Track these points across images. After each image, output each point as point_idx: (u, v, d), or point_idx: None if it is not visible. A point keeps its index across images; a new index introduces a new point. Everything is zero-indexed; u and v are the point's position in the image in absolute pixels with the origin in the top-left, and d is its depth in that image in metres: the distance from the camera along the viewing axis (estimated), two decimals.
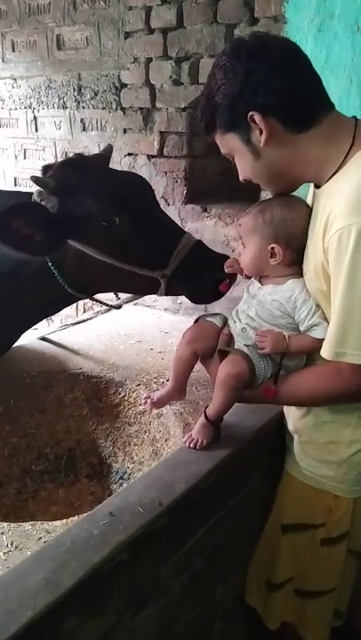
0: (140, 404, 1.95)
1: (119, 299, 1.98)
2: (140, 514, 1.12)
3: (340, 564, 1.40)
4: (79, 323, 2.44)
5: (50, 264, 1.63)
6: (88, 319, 2.35)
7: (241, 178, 1.25)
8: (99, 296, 1.86)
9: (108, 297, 1.95)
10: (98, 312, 2.10)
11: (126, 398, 1.99)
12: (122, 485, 1.86)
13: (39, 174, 1.64)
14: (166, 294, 1.66)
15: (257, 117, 1.10)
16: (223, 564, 1.46)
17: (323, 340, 1.17)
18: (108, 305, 1.96)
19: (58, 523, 1.36)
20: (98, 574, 0.99)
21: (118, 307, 2.04)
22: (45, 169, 1.69)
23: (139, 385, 1.97)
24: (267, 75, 1.09)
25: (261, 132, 1.12)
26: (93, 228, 1.55)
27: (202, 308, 2.17)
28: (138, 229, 1.56)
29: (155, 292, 1.66)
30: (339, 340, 1.10)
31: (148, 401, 1.47)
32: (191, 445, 1.33)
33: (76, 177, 1.59)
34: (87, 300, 3.04)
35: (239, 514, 1.45)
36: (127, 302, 2.06)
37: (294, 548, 1.43)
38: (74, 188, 1.57)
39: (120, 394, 2.00)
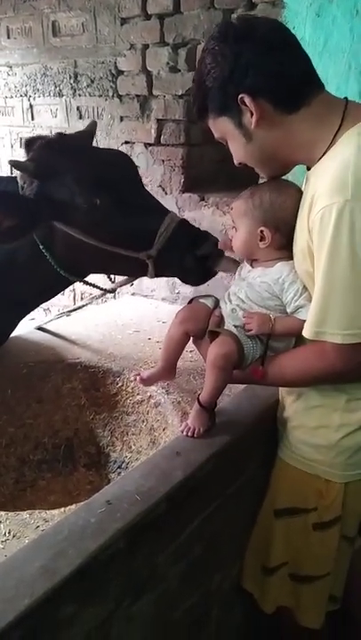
0: (137, 394, 1.95)
1: (113, 282, 1.97)
2: (138, 502, 1.12)
3: (332, 548, 1.41)
4: (75, 310, 2.43)
5: (41, 246, 1.62)
6: (84, 305, 2.34)
7: (236, 162, 1.26)
8: (93, 281, 1.85)
9: (102, 282, 1.94)
10: (93, 297, 2.09)
11: (124, 388, 1.99)
12: (120, 475, 1.86)
13: (23, 154, 1.63)
14: (157, 275, 1.65)
15: (247, 99, 1.11)
16: (221, 552, 1.47)
17: None
18: (101, 289, 1.95)
19: (55, 511, 1.36)
20: (95, 562, 0.99)
21: (112, 291, 2.04)
22: (28, 143, 1.65)
23: (133, 381, 1.97)
24: (255, 56, 1.09)
25: (252, 115, 1.12)
26: (75, 211, 1.54)
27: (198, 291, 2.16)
28: (120, 211, 1.54)
29: (144, 274, 1.64)
30: (319, 320, 1.11)
31: (138, 378, 1.50)
32: (189, 434, 1.34)
33: (55, 159, 1.57)
34: (84, 290, 3.06)
35: (237, 501, 1.46)
36: (121, 285, 2.04)
37: (287, 532, 1.44)
38: (53, 170, 1.55)
39: (118, 383, 2.00)
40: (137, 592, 1.15)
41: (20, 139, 3.30)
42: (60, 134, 1.70)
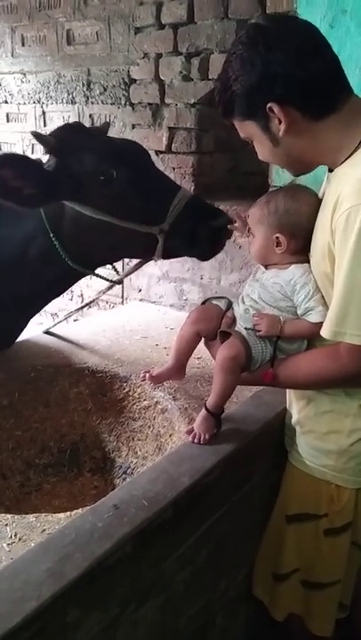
0: (144, 400, 1.95)
1: (119, 274, 2.00)
2: (145, 507, 1.12)
3: (343, 555, 1.41)
4: (82, 307, 2.44)
5: (51, 235, 1.67)
6: (93, 301, 2.35)
7: (260, 158, 1.26)
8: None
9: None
10: (101, 291, 2.12)
11: (131, 393, 1.99)
12: (125, 480, 1.86)
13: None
14: (163, 256, 1.69)
15: (276, 108, 1.10)
16: (226, 559, 1.46)
17: (318, 324, 1.19)
18: (108, 280, 1.97)
19: (62, 515, 1.36)
20: (102, 566, 0.99)
21: (119, 282, 2.06)
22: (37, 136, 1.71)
23: (143, 380, 1.97)
24: (285, 66, 1.08)
25: (280, 122, 1.12)
26: (91, 185, 1.59)
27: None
28: (135, 184, 1.59)
29: (152, 254, 1.68)
30: (339, 320, 1.10)
31: (147, 375, 1.51)
32: (195, 440, 1.34)
33: (75, 137, 1.66)
34: (91, 296, 3.07)
35: (243, 508, 1.45)
36: (127, 275, 2.07)
37: (299, 538, 1.44)
38: (73, 146, 1.62)
39: (125, 389, 2.00)
40: (142, 597, 1.15)
41: (33, 145, 3.34)
42: (78, 122, 1.78)
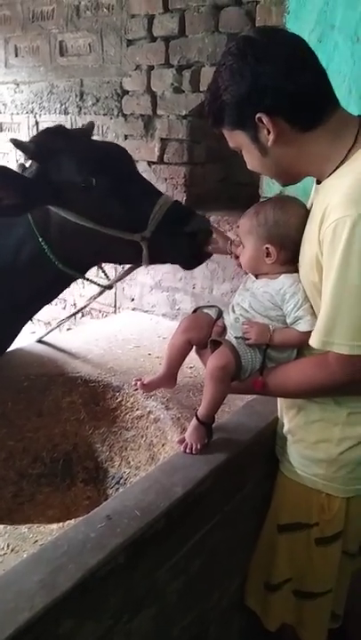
0: (137, 409, 1.96)
1: (109, 279, 2.00)
2: (138, 517, 1.12)
3: (334, 564, 1.41)
4: (74, 314, 2.43)
5: (40, 239, 1.67)
6: (84, 307, 2.36)
7: (249, 168, 1.27)
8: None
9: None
10: (91, 297, 2.12)
11: (123, 403, 1.99)
12: (118, 490, 1.85)
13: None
14: (150, 262, 1.67)
15: (265, 119, 1.12)
16: (219, 568, 1.46)
17: (306, 333, 1.20)
18: (98, 284, 1.98)
19: (54, 526, 1.35)
20: (95, 577, 0.99)
21: (110, 287, 2.05)
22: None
23: (136, 390, 1.97)
24: (274, 78, 1.09)
25: (269, 132, 1.13)
26: (72, 192, 1.59)
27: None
28: (115, 192, 1.59)
29: (139, 260, 1.67)
30: (327, 330, 1.12)
31: (139, 383, 1.51)
32: (187, 450, 1.35)
33: (55, 142, 1.64)
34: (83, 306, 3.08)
35: (236, 518, 1.46)
36: (117, 281, 2.07)
37: (290, 547, 1.44)
38: (53, 151, 1.61)
39: (117, 398, 2.00)
40: (136, 608, 1.15)
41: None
42: (60, 125, 1.77)
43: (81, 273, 1.83)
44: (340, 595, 1.50)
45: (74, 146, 1.65)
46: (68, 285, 1.95)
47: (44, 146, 1.62)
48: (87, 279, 1.89)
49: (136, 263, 1.77)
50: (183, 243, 1.60)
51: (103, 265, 2.03)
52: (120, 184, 1.61)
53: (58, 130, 1.73)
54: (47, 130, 1.74)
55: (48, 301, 2.00)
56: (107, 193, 1.58)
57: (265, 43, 1.12)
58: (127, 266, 1.98)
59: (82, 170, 1.58)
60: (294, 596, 1.47)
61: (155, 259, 1.69)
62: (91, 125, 1.89)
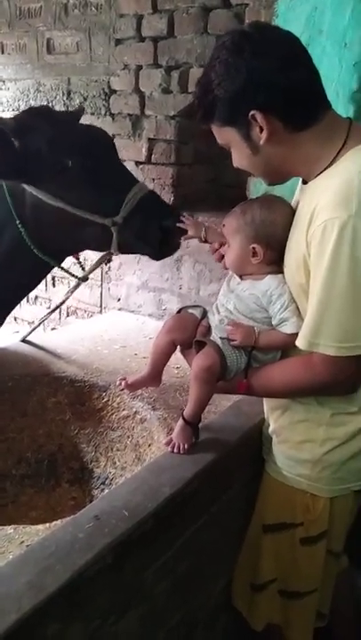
0: (123, 410, 1.95)
1: (84, 269, 2.00)
2: (126, 517, 1.12)
3: (319, 564, 1.42)
4: (55, 309, 2.40)
5: (17, 222, 1.67)
6: (63, 302, 2.32)
7: (235, 165, 1.26)
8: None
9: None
10: (69, 291, 2.11)
11: (110, 403, 1.98)
12: (103, 491, 1.85)
13: None
14: (120, 250, 1.68)
15: (258, 116, 1.10)
16: (206, 569, 1.46)
17: (292, 335, 1.21)
18: (74, 276, 1.98)
19: (41, 526, 1.34)
20: (83, 578, 0.99)
21: (85, 279, 2.04)
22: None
23: (122, 390, 1.96)
24: (270, 74, 1.08)
25: (262, 130, 1.12)
26: (47, 171, 1.59)
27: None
28: (90, 175, 1.59)
29: (108, 246, 1.68)
30: (314, 331, 1.12)
31: (123, 383, 1.51)
32: (174, 451, 1.35)
33: (36, 120, 1.64)
34: (70, 305, 3.06)
35: (223, 519, 1.46)
36: (91, 271, 2.05)
37: (276, 547, 1.45)
38: (31, 129, 1.61)
39: (103, 398, 1.99)
40: (123, 608, 1.15)
41: None
42: (45, 105, 1.77)
43: (56, 260, 1.83)
44: (326, 594, 1.51)
45: (54, 126, 1.65)
46: (45, 275, 1.95)
47: (25, 123, 1.62)
48: (63, 269, 1.88)
49: (107, 250, 1.76)
50: (154, 234, 1.60)
51: (81, 260, 2.03)
52: (96, 167, 1.61)
53: (42, 109, 1.75)
54: (31, 108, 1.75)
55: (25, 292, 1.99)
56: (81, 175, 1.59)
57: (261, 38, 1.11)
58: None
59: (58, 150, 1.58)
60: (280, 595, 1.48)
61: (125, 247, 1.69)
62: (80, 109, 1.91)
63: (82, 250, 1.96)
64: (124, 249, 1.72)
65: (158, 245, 1.65)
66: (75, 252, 1.97)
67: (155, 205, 1.65)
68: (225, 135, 1.20)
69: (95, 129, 1.82)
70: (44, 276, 1.97)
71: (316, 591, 1.44)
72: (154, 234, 1.61)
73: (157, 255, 1.74)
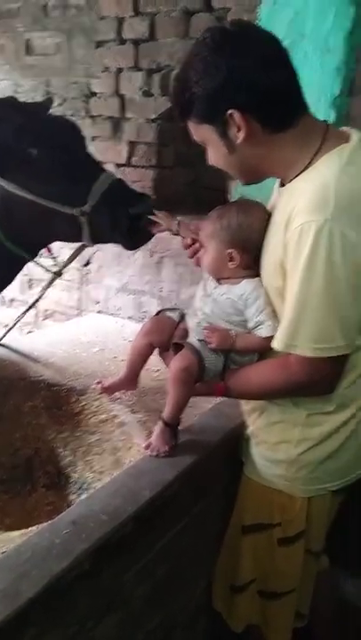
0: (101, 413, 1.92)
1: (56, 264, 1.97)
2: (104, 522, 1.10)
3: (297, 564, 1.42)
4: (32, 306, 2.33)
5: None
6: (36, 300, 2.24)
7: (210, 163, 1.25)
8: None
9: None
10: (43, 288, 2.06)
11: (87, 407, 1.95)
12: (81, 496, 1.81)
13: None
14: (93, 240, 1.67)
15: (236, 116, 1.09)
16: (186, 572, 1.45)
17: (268, 338, 1.21)
18: (48, 270, 1.95)
19: (16, 533, 1.31)
20: (60, 584, 0.97)
21: (59, 274, 1.99)
22: None
23: (101, 393, 1.94)
24: (250, 74, 1.07)
25: (239, 130, 1.11)
26: (12, 161, 1.59)
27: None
28: (56, 164, 1.58)
29: (79, 237, 1.66)
30: (291, 332, 1.13)
31: (100, 386, 1.50)
32: (154, 454, 1.34)
33: (1, 111, 1.63)
34: (48, 308, 3.02)
35: (203, 521, 1.45)
36: (65, 266, 2.00)
37: (255, 548, 1.44)
38: None
39: (81, 402, 1.96)
40: (101, 613, 1.12)
41: None
42: (11, 96, 1.78)
43: (29, 253, 1.81)
44: (305, 594, 1.51)
45: (20, 116, 1.63)
46: (18, 269, 1.91)
47: None
48: (37, 263, 1.86)
49: (80, 241, 1.74)
50: (124, 223, 1.58)
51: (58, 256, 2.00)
52: (62, 157, 1.60)
53: (7, 100, 1.73)
54: None
55: (3, 287, 1.96)
56: (47, 165, 1.58)
57: (242, 36, 1.10)
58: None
59: (23, 140, 1.58)
60: (259, 596, 1.48)
61: (97, 237, 1.67)
62: (48, 101, 1.89)
63: (53, 241, 1.92)
64: (97, 239, 1.69)
65: (128, 234, 1.62)
66: (47, 244, 1.93)
67: (122, 193, 1.62)
68: (202, 133, 1.19)
69: (62, 119, 1.80)
70: (18, 271, 1.93)
71: (294, 591, 1.44)
72: (123, 222, 1.59)
73: (130, 244, 1.70)
